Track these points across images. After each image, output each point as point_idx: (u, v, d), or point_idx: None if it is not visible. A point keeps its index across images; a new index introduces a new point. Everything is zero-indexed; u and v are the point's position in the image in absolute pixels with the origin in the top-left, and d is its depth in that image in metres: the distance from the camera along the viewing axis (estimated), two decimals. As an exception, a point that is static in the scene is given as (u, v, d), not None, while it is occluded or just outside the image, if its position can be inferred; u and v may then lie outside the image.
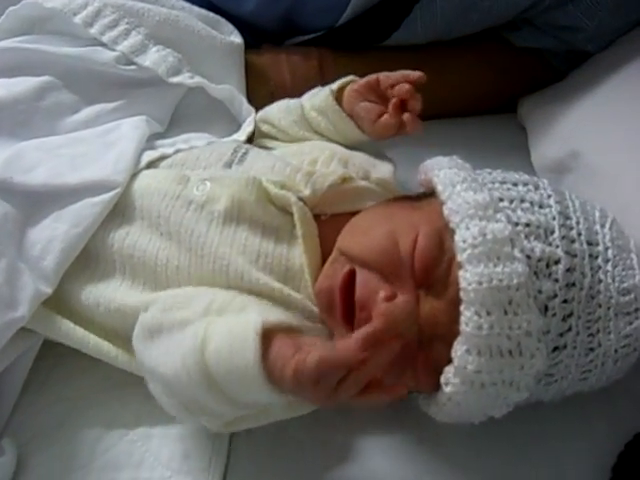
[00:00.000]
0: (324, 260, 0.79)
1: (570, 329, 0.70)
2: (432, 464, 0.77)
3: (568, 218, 0.73)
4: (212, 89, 1.00)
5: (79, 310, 0.82)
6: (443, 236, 0.72)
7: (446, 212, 0.72)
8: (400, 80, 0.86)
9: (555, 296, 0.69)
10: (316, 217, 0.82)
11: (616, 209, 0.79)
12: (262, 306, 0.73)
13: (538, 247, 0.70)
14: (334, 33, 1.12)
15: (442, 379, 0.69)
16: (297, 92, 1.03)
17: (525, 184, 0.76)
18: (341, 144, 0.93)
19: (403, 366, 0.71)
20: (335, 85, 0.93)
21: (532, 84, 1.16)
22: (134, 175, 0.86)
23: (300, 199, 0.81)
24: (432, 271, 0.72)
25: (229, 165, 0.87)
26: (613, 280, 0.72)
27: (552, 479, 0.77)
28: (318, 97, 0.94)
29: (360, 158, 0.89)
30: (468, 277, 0.67)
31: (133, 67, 0.97)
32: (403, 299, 0.72)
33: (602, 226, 0.75)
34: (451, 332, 0.68)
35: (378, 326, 0.64)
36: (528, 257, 0.69)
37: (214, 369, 0.66)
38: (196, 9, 1.09)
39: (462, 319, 0.67)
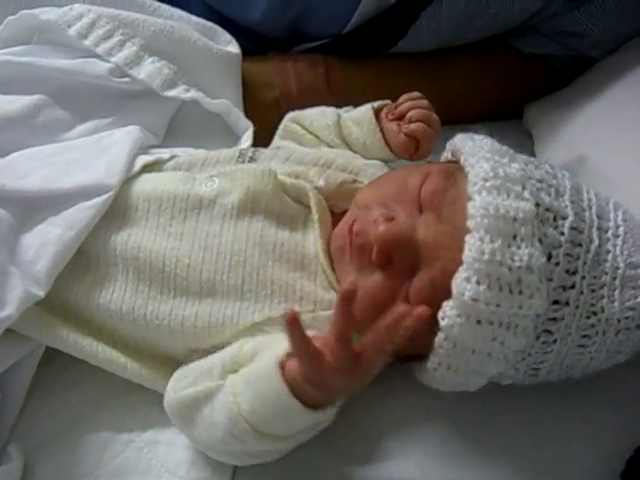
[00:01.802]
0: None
1: (574, 286, 0.70)
2: (439, 463, 0.77)
3: (579, 192, 0.75)
4: (207, 103, 0.99)
5: (87, 319, 0.82)
6: (456, 176, 0.74)
7: (462, 158, 0.74)
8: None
9: (560, 246, 0.69)
10: (330, 210, 0.83)
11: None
12: (267, 339, 0.73)
13: (547, 199, 0.71)
14: (341, 40, 1.12)
15: (439, 313, 0.69)
16: (303, 99, 1.03)
17: (544, 164, 0.78)
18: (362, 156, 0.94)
19: (395, 291, 0.72)
20: (377, 103, 0.94)
21: (538, 90, 1.17)
22: (133, 178, 0.86)
23: (315, 189, 0.82)
24: (439, 197, 0.73)
25: (239, 164, 0.88)
26: (622, 253, 0.72)
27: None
28: (357, 110, 0.96)
29: (372, 169, 0.89)
30: (477, 204, 0.68)
31: (127, 79, 0.97)
32: (403, 218, 0.74)
33: (615, 210, 0.76)
34: (452, 261, 0.69)
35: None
36: (537, 204, 0.70)
37: (261, 427, 0.67)
38: (194, 19, 1.09)
39: (466, 246, 0.68)
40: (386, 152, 0.92)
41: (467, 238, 0.68)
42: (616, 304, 0.71)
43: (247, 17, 1.13)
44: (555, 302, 0.69)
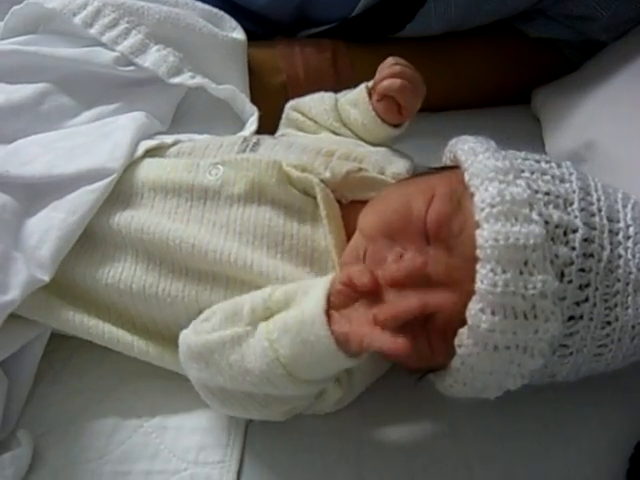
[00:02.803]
0: (348, 241, 0.79)
1: (587, 299, 0.69)
2: (447, 453, 0.77)
3: (589, 194, 0.73)
4: (213, 89, 0.99)
5: (95, 299, 0.83)
6: (461, 198, 0.72)
7: (467, 177, 0.72)
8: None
9: (572, 263, 0.68)
10: (337, 201, 0.82)
11: (632, 199, 0.78)
12: (299, 286, 0.71)
13: (556, 214, 0.69)
14: (348, 25, 1.12)
15: (456, 341, 0.68)
16: (310, 84, 1.03)
17: (548, 162, 0.75)
18: (364, 141, 0.94)
19: (416, 332, 0.70)
20: (371, 82, 0.93)
21: (546, 75, 1.16)
22: (136, 163, 0.86)
23: (321, 181, 0.81)
24: (446, 228, 0.71)
25: (242, 152, 0.87)
26: (633, 257, 0.71)
27: (567, 465, 0.76)
28: (353, 91, 0.95)
29: (377, 155, 0.88)
30: (485, 234, 0.67)
31: (132, 68, 0.97)
32: (411, 254, 0.72)
33: (624, 206, 0.75)
34: (465, 292, 0.67)
35: (392, 283, 0.68)
36: (546, 222, 0.68)
37: (297, 372, 0.67)
38: (199, 5, 1.08)
39: (477, 277, 0.66)
40: (385, 129, 0.92)
41: (478, 268, 0.67)
42: (630, 310, 0.71)
43: (253, 2, 1.13)
44: (570, 318, 0.69)
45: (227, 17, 1.09)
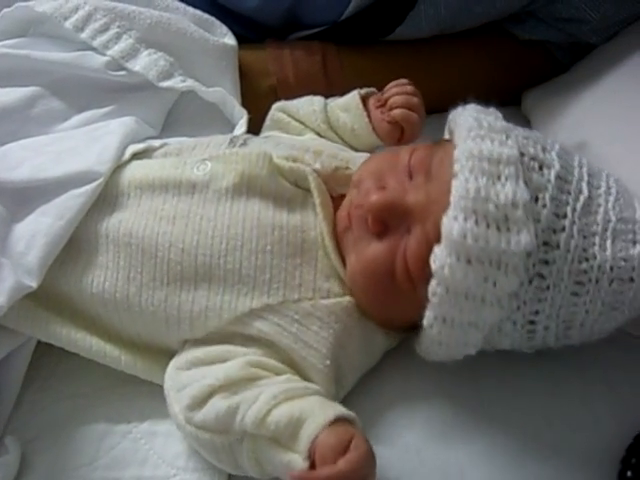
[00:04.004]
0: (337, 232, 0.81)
1: (564, 229, 0.71)
2: (438, 455, 0.76)
3: (569, 154, 0.77)
4: (203, 92, 0.99)
5: (81, 311, 0.82)
6: (444, 144, 0.78)
7: (451, 121, 0.79)
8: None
9: (546, 189, 0.71)
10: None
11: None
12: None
13: (532, 149, 0.74)
14: (338, 28, 1.11)
15: (431, 258, 0.70)
16: (300, 87, 1.03)
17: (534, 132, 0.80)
18: (348, 145, 0.95)
19: (393, 254, 0.75)
20: (364, 90, 0.95)
21: (536, 77, 1.16)
22: (123, 166, 0.86)
23: (314, 171, 0.83)
24: (427, 161, 0.77)
25: (231, 148, 0.87)
26: (613, 208, 0.73)
27: (559, 468, 0.75)
28: (344, 97, 0.96)
29: (362, 159, 0.88)
30: (461, 149, 0.72)
31: (123, 73, 0.96)
32: (392, 186, 0.77)
33: (607, 176, 0.77)
34: (443, 211, 0.70)
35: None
36: (522, 154, 0.72)
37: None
38: (190, 10, 1.08)
39: (452, 189, 0.70)
40: (373, 138, 0.93)
41: (453, 182, 0.70)
42: (608, 252, 0.72)
43: (243, 5, 1.12)
44: (545, 243, 0.70)
45: (218, 23, 1.09)
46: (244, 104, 1.02)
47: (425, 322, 0.72)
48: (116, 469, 0.77)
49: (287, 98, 1.01)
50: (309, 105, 0.97)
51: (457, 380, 0.80)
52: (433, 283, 0.70)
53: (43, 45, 0.98)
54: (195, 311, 0.77)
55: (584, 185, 0.73)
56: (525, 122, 1.14)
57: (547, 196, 0.71)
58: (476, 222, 0.68)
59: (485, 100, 1.16)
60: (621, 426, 0.77)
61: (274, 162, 0.82)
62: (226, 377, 0.72)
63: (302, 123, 0.96)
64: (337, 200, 0.83)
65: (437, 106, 0.95)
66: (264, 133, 0.99)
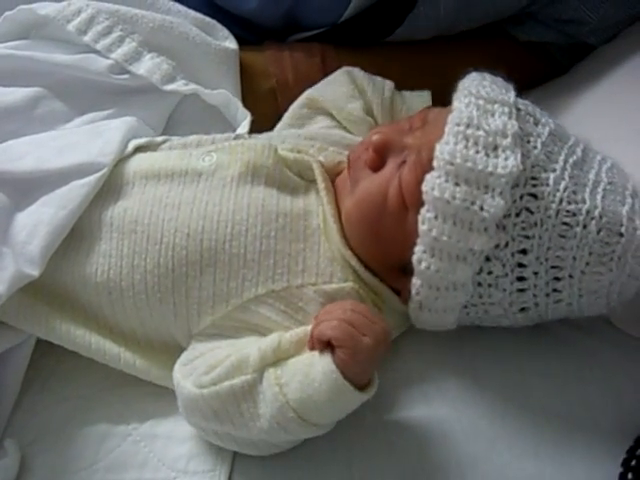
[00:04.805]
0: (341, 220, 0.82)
1: (554, 170, 0.74)
2: (438, 453, 0.76)
3: (565, 131, 0.80)
4: (207, 95, 0.99)
5: (84, 305, 0.82)
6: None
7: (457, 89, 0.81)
8: None
9: (538, 136, 0.75)
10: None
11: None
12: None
13: (531, 108, 0.79)
14: (337, 29, 1.11)
15: (422, 186, 0.73)
16: (299, 89, 1.02)
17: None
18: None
19: (388, 184, 0.78)
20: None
21: (535, 78, 1.16)
22: (127, 158, 0.87)
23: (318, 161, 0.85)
24: (425, 114, 0.82)
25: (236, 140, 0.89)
26: (606, 173, 0.76)
27: (560, 470, 0.76)
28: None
29: None
30: (459, 89, 0.79)
31: (126, 76, 0.97)
32: (392, 131, 0.81)
33: (604, 157, 0.80)
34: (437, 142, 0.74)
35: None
36: (518, 109, 0.77)
37: (308, 414, 0.70)
38: (192, 13, 1.08)
39: (448, 118, 0.75)
40: None
41: (449, 116, 0.75)
42: (598, 201, 0.73)
43: (242, 7, 1.12)
44: (534, 178, 0.73)
45: (219, 26, 1.09)
46: (243, 106, 1.01)
47: (415, 258, 0.74)
48: (116, 472, 0.77)
49: (287, 100, 1.01)
50: (380, 92, 0.99)
51: (456, 379, 0.80)
52: (423, 210, 0.73)
53: (46, 47, 0.98)
54: (203, 297, 0.78)
55: (578, 149, 0.77)
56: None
57: (539, 141, 0.75)
58: (466, 146, 0.72)
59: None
60: (622, 428, 0.77)
61: (279, 153, 0.84)
62: (239, 347, 0.74)
63: (367, 101, 0.98)
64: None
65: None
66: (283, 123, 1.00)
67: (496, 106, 0.75)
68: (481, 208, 0.71)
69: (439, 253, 0.73)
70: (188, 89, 0.98)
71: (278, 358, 0.71)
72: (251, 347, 0.72)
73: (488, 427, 0.77)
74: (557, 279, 0.74)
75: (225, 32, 1.09)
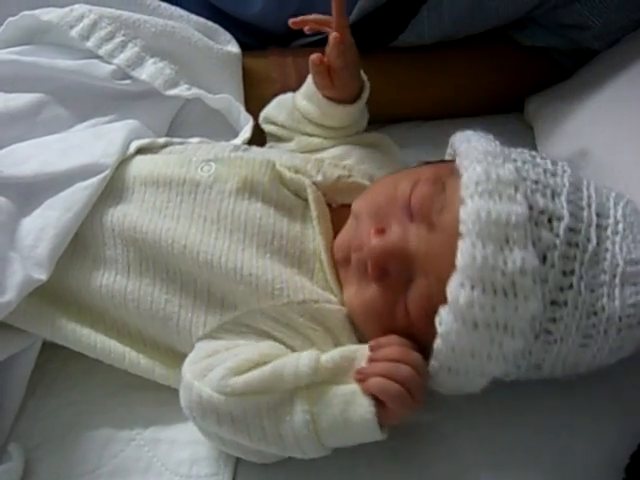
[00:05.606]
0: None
1: (572, 287, 0.69)
2: (440, 462, 0.76)
3: (579, 190, 0.74)
4: (209, 99, 0.99)
5: (89, 306, 0.83)
6: (446, 181, 0.74)
7: (458, 160, 0.73)
8: None
9: (555, 247, 0.69)
10: (327, 205, 0.84)
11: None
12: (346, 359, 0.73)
13: (542, 201, 0.70)
14: (340, 35, 1.11)
15: (437, 319, 0.69)
16: (303, 94, 1.02)
17: (543, 158, 0.76)
18: (332, 128, 0.94)
19: (394, 302, 0.74)
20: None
21: (539, 83, 1.16)
22: (128, 160, 0.87)
23: (313, 184, 0.83)
24: (428, 204, 0.73)
25: (235, 152, 0.88)
26: (621, 250, 0.71)
27: (562, 476, 0.75)
28: (305, 84, 0.96)
29: (366, 165, 0.90)
30: (468, 209, 0.68)
31: (129, 81, 0.97)
32: (394, 230, 0.74)
33: (616, 204, 0.75)
34: (445, 269, 0.68)
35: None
36: (530, 207, 0.69)
37: (329, 442, 0.71)
38: (194, 18, 1.09)
39: (458, 252, 0.67)
40: (342, 108, 0.93)
41: (459, 244, 0.68)
42: (617, 302, 0.70)
43: (246, 12, 1.13)
44: (553, 302, 0.69)
45: (222, 30, 1.10)
46: (247, 111, 1.02)
47: (429, 369, 0.72)
48: (120, 476, 0.77)
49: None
50: (283, 109, 0.97)
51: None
52: (439, 342, 0.69)
53: (49, 53, 0.99)
54: (211, 303, 0.78)
55: (592, 232, 0.71)
56: (528, 129, 1.15)
57: (556, 255, 0.69)
58: (483, 290, 0.66)
59: (488, 106, 1.18)
60: (625, 433, 0.77)
61: (277, 169, 0.83)
62: (260, 354, 0.73)
63: (286, 129, 0.97)
64: (338, 211, 0.84)
65: (440, 112, 0.95)
66: (269, 144, 1.00)
67: (509, 230, 0.67)
68: (500, 346, 0.68)
69: (455, 371, 0.71)
70: (191, 94, 0.98)
71: (313, 382, 0.70)
72: (285, 363, 0.71)
73: (490, 435, 0.77)
74: (576, 365, 0.74)
75: (227, 36, 1.10)
